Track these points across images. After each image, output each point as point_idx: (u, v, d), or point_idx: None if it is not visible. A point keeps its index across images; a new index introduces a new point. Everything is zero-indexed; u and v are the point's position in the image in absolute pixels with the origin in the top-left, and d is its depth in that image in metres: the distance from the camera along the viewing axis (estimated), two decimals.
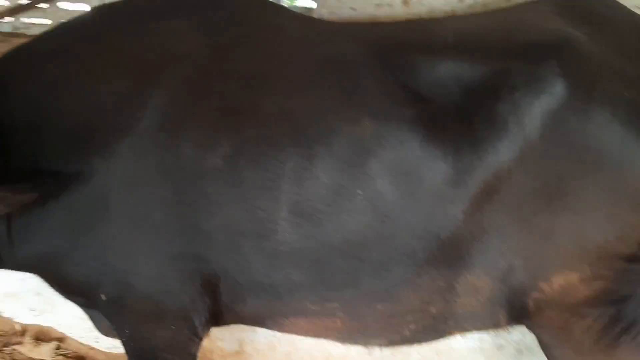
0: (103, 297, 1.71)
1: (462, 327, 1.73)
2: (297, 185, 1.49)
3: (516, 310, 1.62)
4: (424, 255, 1.55)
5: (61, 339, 3.15)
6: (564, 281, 1.49)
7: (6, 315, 3.28)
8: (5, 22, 3.36)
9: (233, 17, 1.75)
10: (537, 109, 1.42)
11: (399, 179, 1.47)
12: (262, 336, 2.80)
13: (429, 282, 1.59)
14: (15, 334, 3.19)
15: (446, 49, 1.53)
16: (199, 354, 2.88)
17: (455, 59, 1.50)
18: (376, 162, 1.47)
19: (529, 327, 1.69)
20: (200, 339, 1.83)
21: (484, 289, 1.59)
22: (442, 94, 1.47)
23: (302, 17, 2.02)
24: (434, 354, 2.54)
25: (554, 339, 1.65)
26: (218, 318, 1.79)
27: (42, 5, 3.38)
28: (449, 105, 1.47)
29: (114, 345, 3.06)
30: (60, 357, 3.05)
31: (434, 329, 1.73)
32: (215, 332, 2.86)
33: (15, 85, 1.65)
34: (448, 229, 1.50)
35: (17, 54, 1.79)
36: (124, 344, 1.85)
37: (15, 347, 3.08)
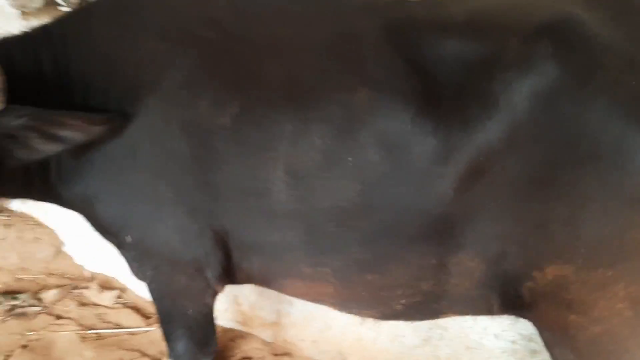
0: (128, 238, 1.84)
1: (455, 309, 1.75)
2: (293, 147, 1.55)
3: (510, 298, 1.60)
4: (413, 230, 1.56)
5: (122, 289, 3.44)
6: (558, 272, 1.46)
7: (78, 262, 3.63)
8: None
9: None
10: (527, 88, 1.38)
11: (388, 151, 1.49)
12: (298, 310, 2.92)
13: (418, 257, 1.61)
14: (83, 279, 3.53)
15: (454, 28, 1.51)
16: (241, 319, 3.08)
17: (460, 38, 1.48)
18: (368, 131, 1.49)
19: (530, 321, 1.65)
20: (215, 291, 1.96)
21: (476, 271, 1.59)
22: (443, 71, 1.46)
23: None
24: (464, 349, 2.51)
25: (553, 337, 1.60)
26: (231, 275, 1.90)
27: None
28: (448, 83, 1.47)
29: None
30: (120, 305, 3.32)
31: (426, 307, 1.75)
32: (256, 301, 3.03)
33: (72, 38, 1.79)
34: (437, 205, 1.50)
35: (77, 13, 1.96)
36: (147, 286, 2.01)
37: (83, 291, 3.40)
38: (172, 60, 1.65)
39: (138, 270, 1.99)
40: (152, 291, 2.00)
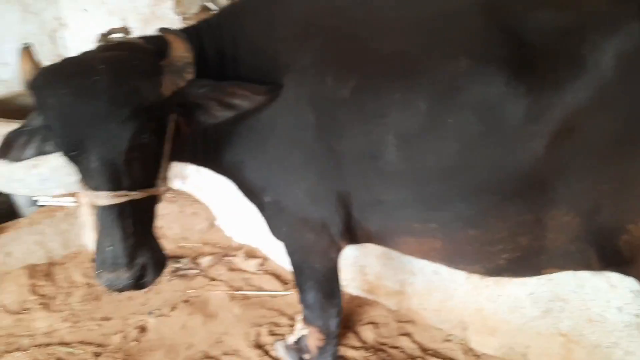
0: (267, 199, 2.11)
1: (555, 264, 1.81)
2: (402, 112, 1.71)
3: (608, 252, 1.65)
4: (509, 187, 1.67)
5: (264, 258, 3.87)
6: None
7: (228, 234, 4.14)
8: None
9: None
10: (613, 48, 1.43)
11: (485, 112, 1.60)
12: (420, 280, 3.09)
13: (515, 213, 1.71)
14: (232, 248, 4.02)
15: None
16: (368, 288, 3.31)
17: (556, 8, 1.56)
18: (467, 95, 1.61)
19: (634, 277, 1.67)
20: (339, 247, 2.18)
21: (571, 226, 1.65)
22: (537, 38, 1.55)
23: None
24: (585, 321, 2.50)
25: None
26: (353, 234, 2.09)
27: None
28: (542, 48, 1.55)
29: None
30: (262, 271, 3.74)
31: (527, 261, 1.83)
32: (382, 271, 3.24)
33: (226, 27, 2.09)
34: (530, 163, 1.60)
35: (232, 6, 2.29)
36: (283, 242, 2.28)
37: (231, 258, 3.88)
38: (301, 45, 1.90)
39: (274, 228, 2.25)
40: (287, 247, 2.27)
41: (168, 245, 4.05)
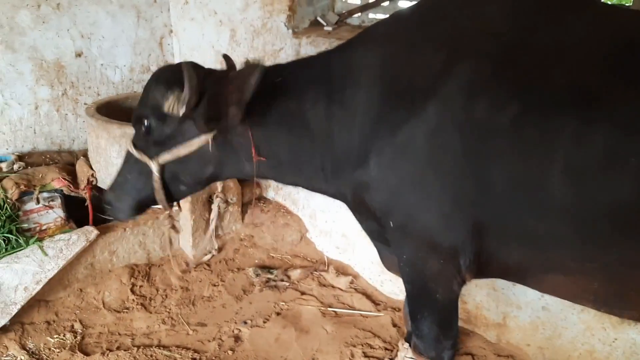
0: (391, 223, 2.02)
1: None
2: (574, 146, 1.60)
3: None
4: None
5: (355, 276, 3.83)
6: None
7: (319, 248, 4.14)
8: (355, 17, 4.15)
9: (540, 4, 1.90)
10: None
11: None
12: (526, 314, 2.96)
13: None
14: (323, 263, 4.01)
15: None
16: (465, 317, 3.22)
17: None
18: None
19: None
20: (463, 280, 2.08)
21: None
22: None
23: (601, 3, 2.08)
24: None
25: None
26: (482, 267, 1.99)
27: (384, 3, 4.05)
28: None
29: (394, 292, 3.61)
30: (352, 289, 3.71)
31: None
32: (483, 301, 3.14)
33: (357, 56, 2.12)
34: None
35: (359, 35, 2.28)
36: (401, 268, 2.21)
37: (322, 273, 3.87)
38: (448, 70, 1.84)
39: (395, 253, 2.20)
40: (405, 273, 2.20)
41: (259, 254, 4.11)
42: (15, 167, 3.87)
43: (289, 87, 2.16)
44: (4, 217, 3.44)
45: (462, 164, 1.80)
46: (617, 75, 1.61)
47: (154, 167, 2.25)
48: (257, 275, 3.83)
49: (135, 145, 2.32)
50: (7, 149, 4.13)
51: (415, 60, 1.96)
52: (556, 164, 1.63)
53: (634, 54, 1.62)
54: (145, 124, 2.22)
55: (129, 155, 2.38)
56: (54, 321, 3.32)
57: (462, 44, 1.89)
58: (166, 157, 2.23)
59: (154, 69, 4.65)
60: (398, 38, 2.06)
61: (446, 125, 1.82)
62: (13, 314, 3.15)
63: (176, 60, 4.79)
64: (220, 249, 4.10)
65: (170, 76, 2.16)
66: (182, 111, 2.07)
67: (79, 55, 4.34)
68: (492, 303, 3.11)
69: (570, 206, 1.66)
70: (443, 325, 2.23)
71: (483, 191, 1.80)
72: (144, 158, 2.26)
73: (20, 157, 4.05)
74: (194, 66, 2.14)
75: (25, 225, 3.56)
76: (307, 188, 2.42)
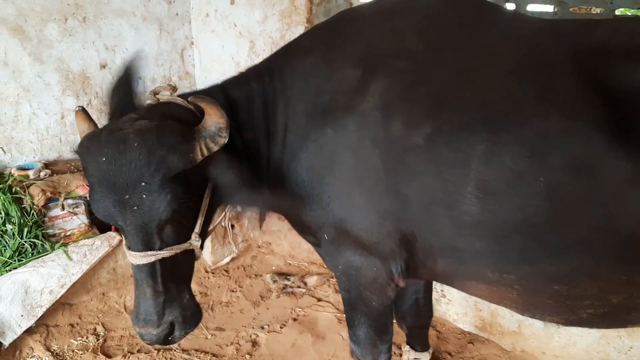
0: (325, 236, 2.05)
1: None
2: (485, 166, 1.63)
3: None
4: (603, 248, 1.56)
5: None
6: None
7: None
8: None
9: (450, 18, 1.95)
10: None
11: (580, 173, 1.52)
12: (541, 322, 2.94)
13: (608, 273, 1.60)
14: None
15: None
16: (481, 325, 3.24)
17: None
18: (560, 155, 1.54)
19: None
20: (397, 285, 2.09)
21: None
22: (634, 96, 1.48)
23: (512, 15, 2.09)
24: None
25: None
26: (414, 271, 2.01)
27: None
28: (636, 107, 1.47)
29: None
30: None
31: (614, 317, 1.73)
32: (498, 309, 3.15)
33: (276, 72, 2.13)
34: (630, 227, 1.50)
35: (283, 49, 2.29)
36: (337, 278, 2.23)
37: None
38: (365, 87, 1.87)
39: (331, 264, 2.23)
40: (342, 282, 2.20)
41: (276, 261, 4.17)
42: (42, 174, 3.98)
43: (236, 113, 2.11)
44: (31, 223, 3.54)
45: (384, 180, 1.82)
46: (526, 92, 1.64)
47: (195, 241, 1.89)
48: (275, 281, 3.90)
49: (151, 247, 1.76)
50: (34, 157, 4.25)
51: (333, 77, 1.99)
52: (469, 182, 1.66)
53: (543, 67, 1.65)
54: (169, 199, 1.69)
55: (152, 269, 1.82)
56: (77, 324, 3.43)
57: (375, 60, 1.91)
58: (200, 219, 1.89)
59: (175, 79, 4.78)
60: (317, 53, 2.09)
61: (366, 142, 1.84)
62: (39, 316, 3.26)
63: (197, 72, 4.91)
64: (238, 255, 4.16)
65: (155, 127, 1.71)
66: (213, 149, 1.75)
67: (103, 66, 4.47)
68: (507, 311, 3.10)
69: (485, 223, 1.68)
70: (379, 330, 2.25)
71: (404, 206, 1.82)
72: (180, 247, 1.83)
73: (47, 165, 4.16)
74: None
75: (51, 230, 3.67)
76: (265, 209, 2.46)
